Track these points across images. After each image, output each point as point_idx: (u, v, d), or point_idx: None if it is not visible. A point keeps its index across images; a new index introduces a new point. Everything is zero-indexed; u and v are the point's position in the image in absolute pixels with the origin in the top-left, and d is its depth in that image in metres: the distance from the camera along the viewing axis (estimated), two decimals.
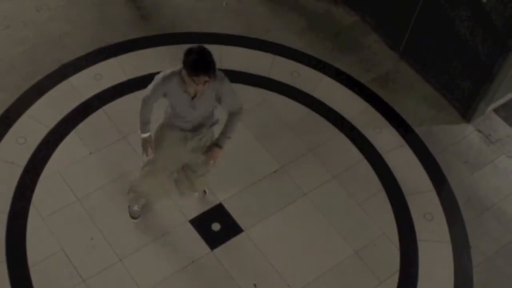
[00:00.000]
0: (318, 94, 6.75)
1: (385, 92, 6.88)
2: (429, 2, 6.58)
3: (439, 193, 6.24)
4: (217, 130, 5.21)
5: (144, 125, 5.01)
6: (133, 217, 5.76)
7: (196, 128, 5.06)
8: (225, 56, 6.87)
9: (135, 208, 5.74)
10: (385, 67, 7.09)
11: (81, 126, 6.24)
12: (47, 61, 6.61)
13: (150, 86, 4.84)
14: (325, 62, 7.01)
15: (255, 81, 6.74)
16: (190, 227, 5.80)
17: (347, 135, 6.50)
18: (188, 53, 4.53)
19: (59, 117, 6.26)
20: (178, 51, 6.65)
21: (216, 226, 5.83)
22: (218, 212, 5.90)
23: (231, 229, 5.82)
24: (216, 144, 5.09)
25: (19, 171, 5.91)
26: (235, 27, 7.18)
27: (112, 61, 6.71)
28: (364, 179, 6.25)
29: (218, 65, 6.73)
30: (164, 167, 5.33)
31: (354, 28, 7.37)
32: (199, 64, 4.49)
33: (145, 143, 5.10)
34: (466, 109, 6.78)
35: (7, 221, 5.63)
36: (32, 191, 5.82)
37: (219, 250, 5.69)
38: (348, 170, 6.29)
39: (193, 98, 4.80)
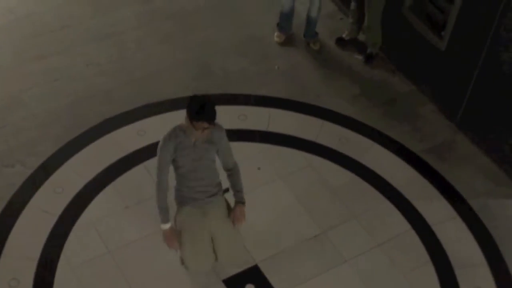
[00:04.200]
0: (366, 161, 6.94)
1: (438, 162, 7.01)
2: (487, 70, 6.79)
3: (492, 268, 6.25)
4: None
5: (163, 212, 5.36)
6: None
7: (209, 196, 5.43)
8: (273, 119, 7.17)
9: None
10: (440, 138, 7.26)
11: (120, 179, 6.58)
12: (91, 115, 7.05)
13: (158, 155, 5.27)
14: (376, 129, 7.24)
15: (301, 145, 7.00)
16: (223, 286, 5.95)
17: (395, 204, 6.63)
18: (192, 99, 5.07)
19: (98, 169, 6.63)
20: (226, 111, 7.10)
21: None
22: (253, 274, 6.05)
23: None
24: (238, 203, 5.50)
25: (53, 220, 6.24)
26: (285, 91, 7.53)
27: (157, 118, 7.10)
28: (410, 250, 6.33)
29: (266, 127, 7.11)
30: (199, 239, 5.57)
31: (410, 97, 7.61)
32: (200, 110, 4.99)
33: (168, 235, 5.44)
34: None
35: (36, 268, 5.91)
36: (64, 240, 6.12)
37: None
38: (393, 239, 6.38)
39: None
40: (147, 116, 7.13)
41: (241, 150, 6.57)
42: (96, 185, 6.53)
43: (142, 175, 6.63)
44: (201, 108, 4.98)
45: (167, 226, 5.40)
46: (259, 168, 6.79)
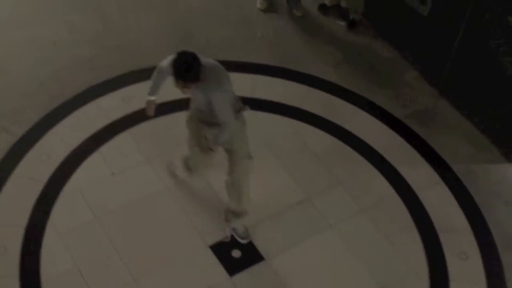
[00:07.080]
0: (350, 126, 6.93)
1: (422, 128, 7.02)
2: (469, 35, 6.77)
3: (476, 233, 6.29)
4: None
5: (152, 88, 5.63)
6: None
7: (206, 121, 5.49)
8: (258, 86, 7.13)
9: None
10: (423, 103, 7.26)
11: (105, 146, 6.53)
12: (75, 82, 6.97)
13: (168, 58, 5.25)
14: (360, 95, 7.23)
15: (286, 111, 6.97)
16: (209, 252, 5.95)
17: (379, 169, 6.64)
18: (177, 54, 4.99)
19: (84, 136, 6.57)
20: None
21: (236, 253, 5.98)
22: None
23: (252, 257, 5.96)
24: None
25: (39, 187, 6.19)
26: (269, 57, 7.48)
27: (142, 85, 6.93)
28: (394, 214, 6.35)
29: (250, 94, 7.07)
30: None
31: (393, 63, 7.60)
32: (176, 68, 4.95)
33: (148, 104, 5.72)
34: (510, 149, 6.86)
35: (23, 235, 5.87)
36: (50, 207, 6.08)
37: (238, 277, 5.82)
38: (377, 204, 6.40)
39: None
40: (132, 83, 7.06)
41: None
42: (82, 152, 6.47)
43: (128, 142, 6.58)
44: (177, 67, 4.93)
45: (152, 97, 5.68)
46: None
